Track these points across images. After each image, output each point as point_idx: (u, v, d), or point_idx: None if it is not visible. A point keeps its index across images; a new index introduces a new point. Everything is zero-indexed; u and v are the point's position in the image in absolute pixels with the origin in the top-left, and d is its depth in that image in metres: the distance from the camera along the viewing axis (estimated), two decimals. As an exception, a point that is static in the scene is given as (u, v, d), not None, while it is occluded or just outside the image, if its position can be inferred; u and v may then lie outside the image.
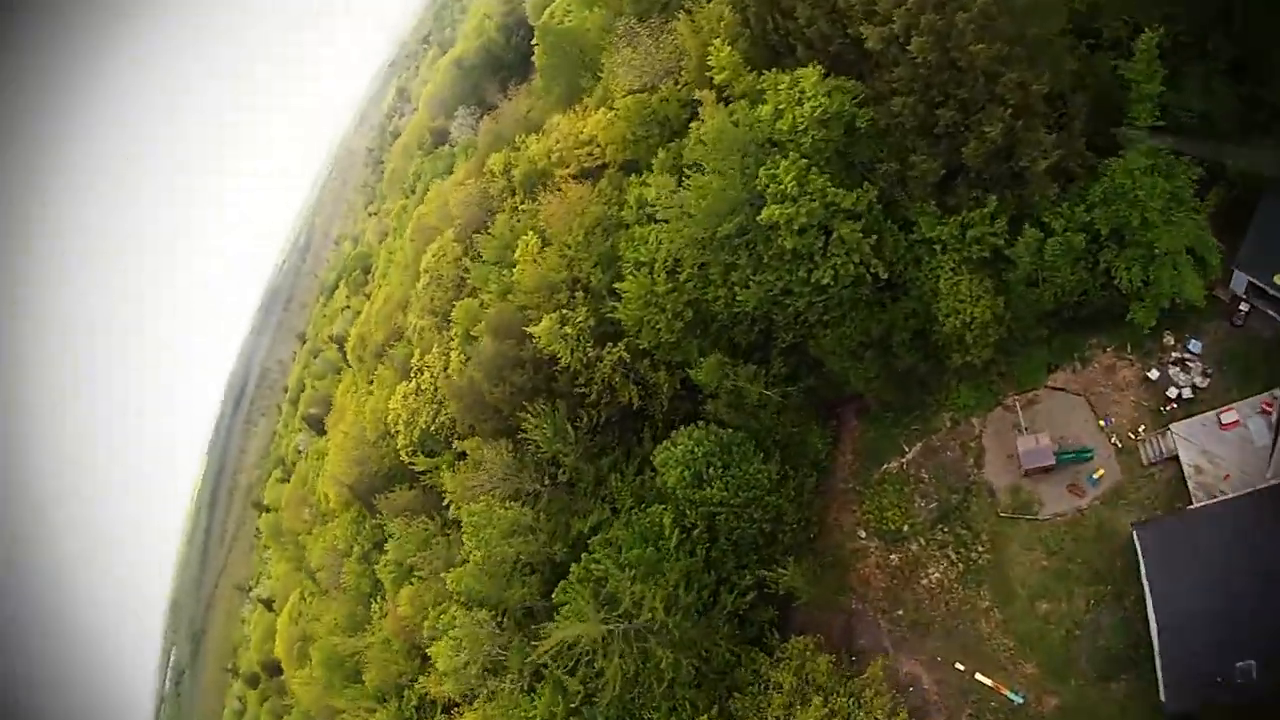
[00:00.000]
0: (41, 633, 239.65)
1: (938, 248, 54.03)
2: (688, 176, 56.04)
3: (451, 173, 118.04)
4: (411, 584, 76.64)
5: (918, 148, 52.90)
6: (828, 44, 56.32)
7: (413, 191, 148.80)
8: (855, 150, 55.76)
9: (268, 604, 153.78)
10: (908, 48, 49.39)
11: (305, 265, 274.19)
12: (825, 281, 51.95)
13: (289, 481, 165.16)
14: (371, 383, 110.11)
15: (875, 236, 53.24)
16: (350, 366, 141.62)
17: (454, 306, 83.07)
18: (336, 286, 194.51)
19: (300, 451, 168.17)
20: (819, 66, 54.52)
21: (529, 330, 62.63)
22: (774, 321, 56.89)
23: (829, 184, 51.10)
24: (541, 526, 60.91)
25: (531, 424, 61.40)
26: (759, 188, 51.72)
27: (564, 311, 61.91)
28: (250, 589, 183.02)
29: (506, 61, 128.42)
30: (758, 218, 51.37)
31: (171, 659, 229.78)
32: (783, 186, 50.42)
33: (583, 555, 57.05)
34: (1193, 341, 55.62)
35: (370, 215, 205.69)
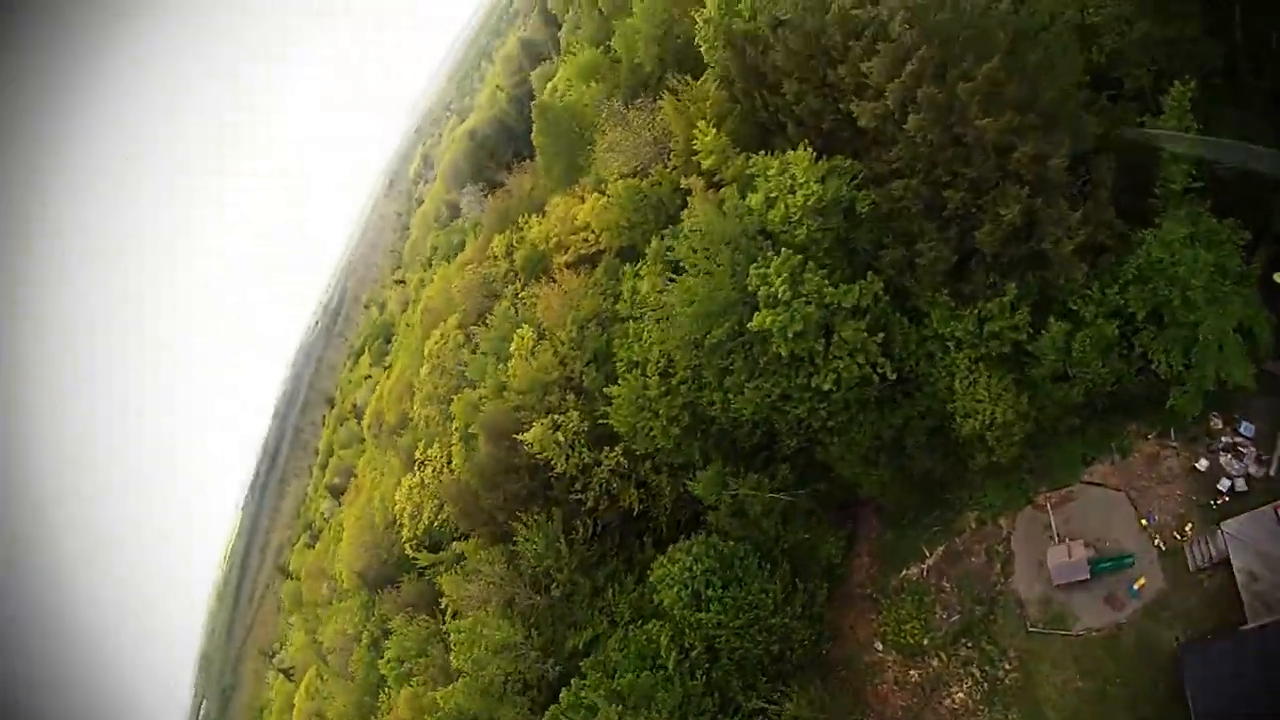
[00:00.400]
0: (41, 633, 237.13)
1: (951, 344, 49.37)
2: (674, 276, 52.58)
3: (463, 248, 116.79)
4: (410, 686, 73.40)
5: (925, 232, 48.47)
6: (819, 121, 52.50)
7: (429, 264, 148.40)
8: (857, 236, 51.59)
9: (287, 674, 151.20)
10: (904, 126, 45.62)
11: (336, 327, 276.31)
12: (827, 387, 47.73)
13: (315, 547, 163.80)
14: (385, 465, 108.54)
15: (882, 333, 48.80)
16: (367, 440, 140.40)
17: (454, 398, 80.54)
18: (362, 353, 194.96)
19: (326, 518, 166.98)
20: (811, 148, 50.69)
21: (520, 437, 59.32)
22: (776, 426, 52.76)
23: (826, 282, 46.90)
24: (533, 642, 57.07)
25: (522, 536, 58.00)
26: (750, 287, 47.78)
27: (555, 416, 58.70)
28: (273, 654, 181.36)
29: (518, 133, 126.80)
30: (748, 324, 47.49)
31: (201, 712, 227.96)
32: (774, 289, 46.31)
33: (573, 680, 52.94)
34: (1244, 423, 50.22)
35: (395, 283, 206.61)
